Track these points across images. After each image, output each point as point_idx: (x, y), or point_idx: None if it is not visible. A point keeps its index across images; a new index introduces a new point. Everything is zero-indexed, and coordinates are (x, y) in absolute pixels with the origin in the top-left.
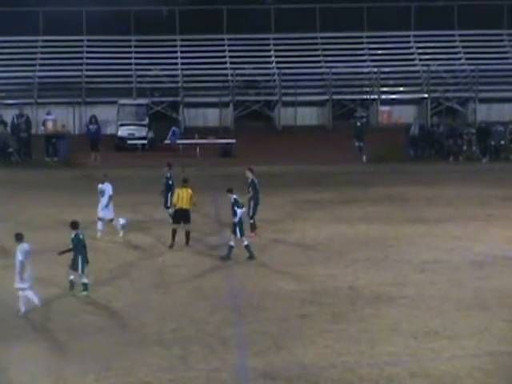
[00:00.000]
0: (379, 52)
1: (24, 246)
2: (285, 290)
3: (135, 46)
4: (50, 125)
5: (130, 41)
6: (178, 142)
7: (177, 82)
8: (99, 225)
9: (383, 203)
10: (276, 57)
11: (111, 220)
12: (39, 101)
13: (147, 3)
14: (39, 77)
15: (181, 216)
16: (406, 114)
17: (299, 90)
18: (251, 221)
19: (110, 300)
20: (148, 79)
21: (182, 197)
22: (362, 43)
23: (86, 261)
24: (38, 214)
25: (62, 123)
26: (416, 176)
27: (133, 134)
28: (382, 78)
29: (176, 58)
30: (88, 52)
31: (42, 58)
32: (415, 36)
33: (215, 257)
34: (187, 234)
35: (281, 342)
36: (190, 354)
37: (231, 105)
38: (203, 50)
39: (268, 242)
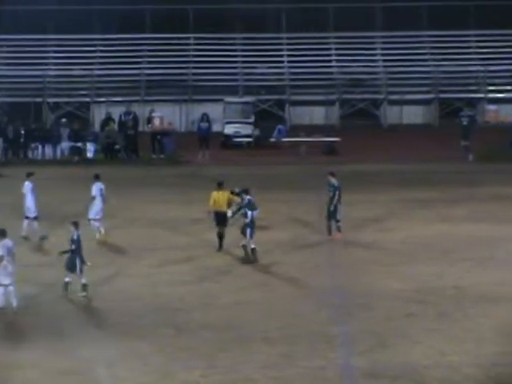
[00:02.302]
0: (486, 50)
1: (6, 242)
2: (390, 289)
3: (241, 44)
4: (156, 122)
5: (235, 39)
6: (284, 139)
7: (283, 80)
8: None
9: (490, 202)
10: (382, 55)
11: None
12: (146, 98)
13: (252, 1)
14: (146, 74)
15: (220, 219)
16: None
17: (405, 89)
18: (338, 224)
19: (216, 297)
20: (254, 77)
21: (218, 200)
22: (469, 41)
23: (82, 261)
24: (144, 211)
25: (169, 121)
26: None
27: (239, 132)
28: (489, 77)
29: (282, 56)
30: (195, 50)
31: (149, 56)
32: None
33: (320, 255)
34: (221, 237)
35: (386, 341)
36: (295, 352)
37: (337, 103)
38: (309, 48)
39: (373, 241)
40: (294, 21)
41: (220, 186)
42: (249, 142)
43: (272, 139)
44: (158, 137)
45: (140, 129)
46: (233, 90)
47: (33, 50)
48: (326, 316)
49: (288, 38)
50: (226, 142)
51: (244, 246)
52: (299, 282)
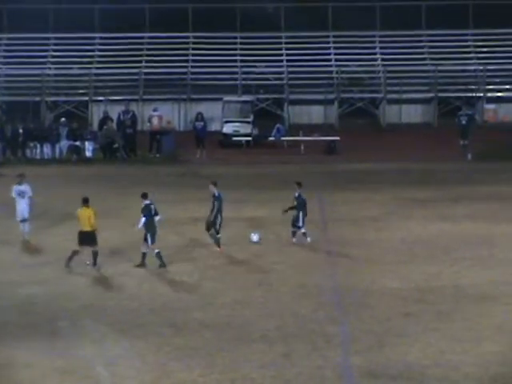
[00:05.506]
0: (485, 49)
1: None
2: (388, 288)
3: (240, 43)
4: (155, 121)
5: (235, 38)
6: (283, 138)
7: (282, 79)
8: None
9: (488, 201)
10: (381, 54)
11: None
12: (145, 97)
13: (251, 0)
14: (145, 73)
15: (84, 238)
16: None
17: (404, 88)
18: (218, 235)
19: (214, 296)
20: (253, 76)
21: (79, 218)
22: (467, 41)
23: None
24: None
25: (168, 120)
26: None
27: (238, 131)
28: (488, 76)
29: (281, 55)
30: (194, 49)
31: (147, 55)
32: None
33: (318, 254)
34: (94, 255)
35: (384, 340)
36: (294, 351)
37: (336, 102)
38: (308, 47)
39: (372, 240)
40: (293, 20)
41: (85, 202)
42: (248, 141)
43: (271, 138)
44: (158, 136)
45: (139, 128)
46: (232, 89)
47: (31, 49)
48: (324, 315)
49: (287, 37)
50: (225, 141)
51: (144, 254)
52: (297, 281)
